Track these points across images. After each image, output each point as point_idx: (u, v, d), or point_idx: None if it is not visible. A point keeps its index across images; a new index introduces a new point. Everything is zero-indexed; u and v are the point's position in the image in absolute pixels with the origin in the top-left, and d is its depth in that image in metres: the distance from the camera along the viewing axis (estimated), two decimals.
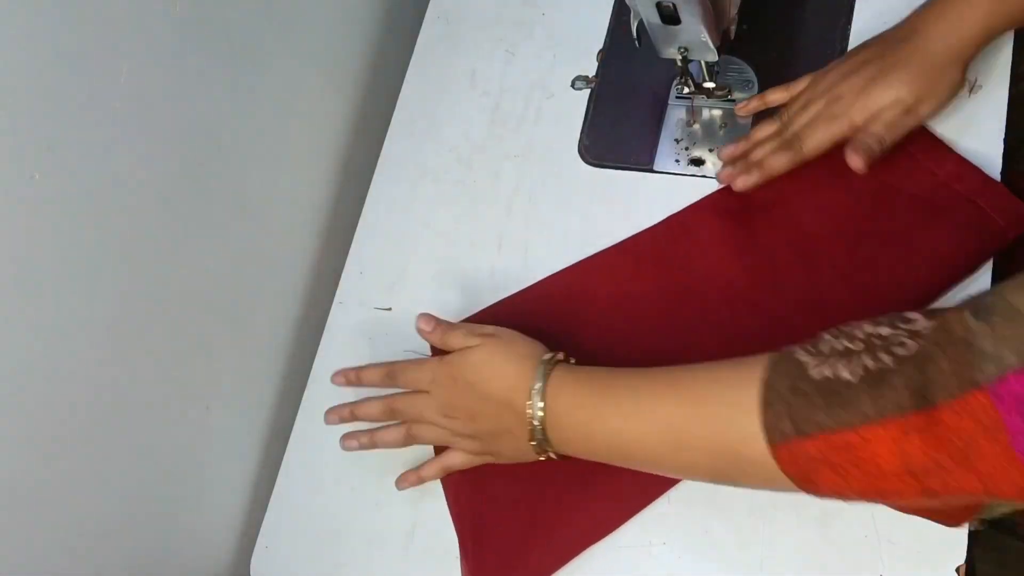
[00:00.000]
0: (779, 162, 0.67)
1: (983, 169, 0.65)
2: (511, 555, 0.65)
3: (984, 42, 0.62)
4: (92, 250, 0.58)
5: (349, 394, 0.73)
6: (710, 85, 0.73)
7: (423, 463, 0.67)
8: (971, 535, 0.58)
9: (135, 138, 0.60)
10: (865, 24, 0.72)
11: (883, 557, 0.58)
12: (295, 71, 0.76)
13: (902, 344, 0.45)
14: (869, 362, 0.46)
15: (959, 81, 0.63)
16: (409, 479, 0.67)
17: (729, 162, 0.70)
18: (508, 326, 0.64)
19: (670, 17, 0.63)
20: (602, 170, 0.75)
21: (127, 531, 0.64)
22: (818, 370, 0.47)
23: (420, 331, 0.65)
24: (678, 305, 0.68)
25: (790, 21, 0.75)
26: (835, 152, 0.66)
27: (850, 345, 0.47)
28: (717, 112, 0.74)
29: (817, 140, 0.66)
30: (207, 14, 0.65)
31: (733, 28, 0.69)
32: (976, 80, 0.67)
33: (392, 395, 0.66)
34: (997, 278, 0.62)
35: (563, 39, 0.81)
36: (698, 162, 0.73)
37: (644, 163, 0.74)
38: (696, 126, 0.74)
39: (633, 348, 0.68)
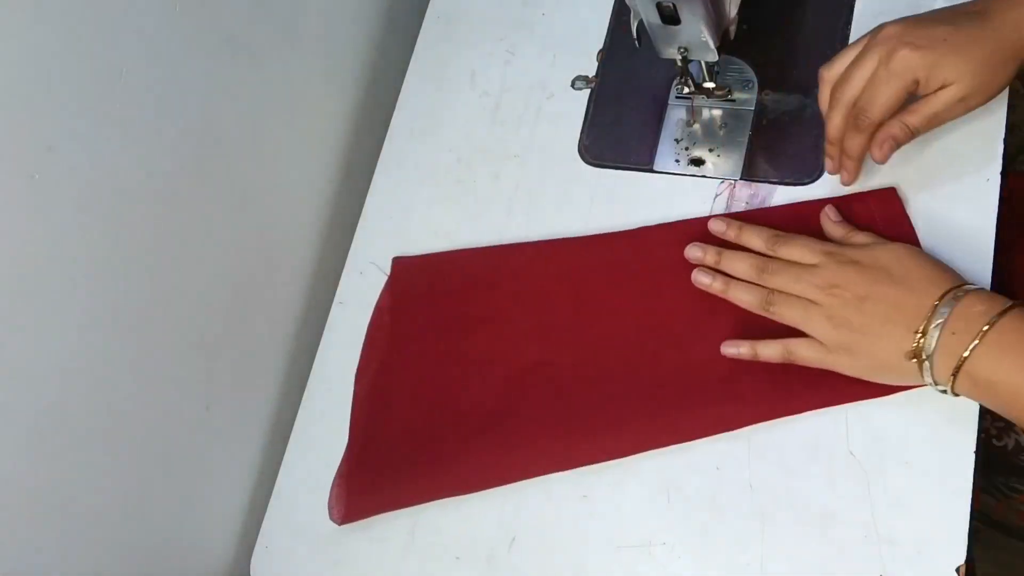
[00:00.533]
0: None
1: (984, 170, 0.65)
2: (384, 475, 0.68)
3: None
4: (92, 250, 0.58)
5: (351, 398, 0.73)
6: (710, 85, 0.73)
7: (764, 341, 0.62)
8: (971, 535, 0.58)
9: (135, 138, 0.60)
10: (865, 24, 0.72)
11: (883, 557, 0.58)
12: (295, 71, 0.76)
13: None
14: None
15: (1012, 78, 0.59)
16: (740, 348, 0.63)
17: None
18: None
19: (670, 17, 0.63)
20: (602, 170, 0.75)
21: (127, 531, 0.64)
22: None
23: (824, 216, 0.64)
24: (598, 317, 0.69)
25: (790, 21, 0.75)
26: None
27: None
28: (717, 112, 0.74)
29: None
30: (207, 13, 0.65)
31: (733, 28, 0.69)
32: None
33: (768, 258, 0.63)
34: (996, 283, 0.62)
35: (563, 39, 0.81)
36: (698, 162, 0.73)
37: (644, 163, 0.74)
38: (696, 126, 0.74)
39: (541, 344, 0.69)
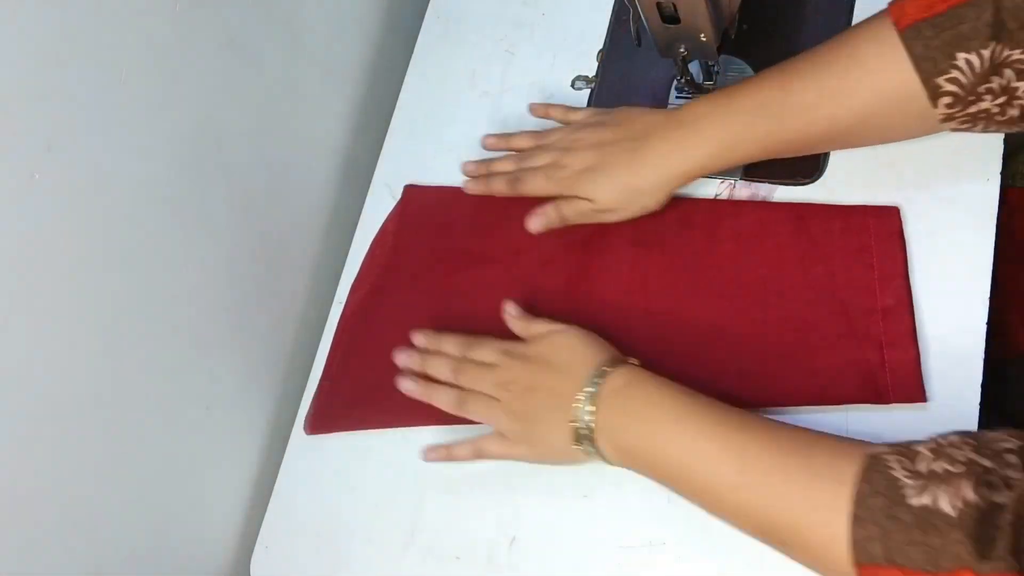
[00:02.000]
0: (498, 188, 0.72)
1: (984, 170, 0.65)
2: (357, 393, 0.72)
3: (696, 177, 0.65)
4: (92, 250, 0.58)
5: None
6: (710, 85, 0.73)
7: (458, 443, 0.66)
8: None
9: (135, 138, 0.60)
10: None
11: None
12: (295, 71, 0.76)
13: (996, 486, 0.44)
14: (970, 495, 0.44)
15: (657, 203, 0.67)
16: (439, 453, 0.67)
17: (489, 148, 0.75)
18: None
19: (670, 17, 0.63)
20: None
21: (127, 531, 0.64)
22: (916, 497, 0.46)
23: (507, 314, 0.67)
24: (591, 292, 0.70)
25: (790, 21, 0.75)
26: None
27: (950, 468, 0.46)
28: None
29: (530, 188, 0.70)
30: (207, 14, 0.65)
31: (733, 28, 0.69)
32: None
33: (462, 360, 0.66)
34: (996, 287, 0.62)
35: (563, 39, 0.81)
36: None
37: None
38: None
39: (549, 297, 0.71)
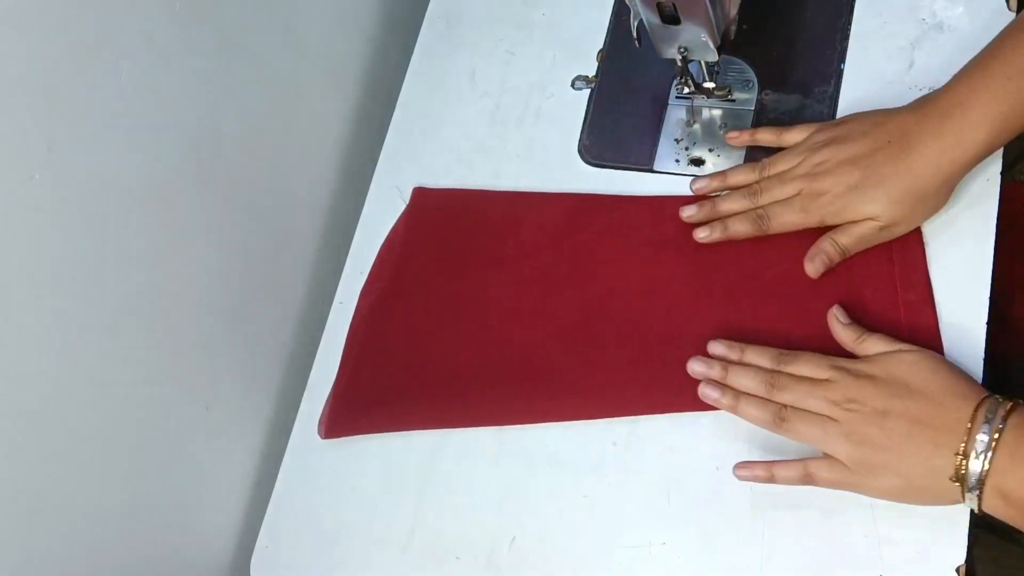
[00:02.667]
0: (742, 229, 0.66)
1: (983, 170, 0.65)
2: (372, 397, 0.71)
3: (977, 162, 0.60)
4: (92, 250, 0.58)
5: None
6: (710, 85, 0.73)
7: (780, 461, 0.59)
8: (971, 536, 0.58)
9: (135, 138, 0.60)
10: (865, 24, 0.73)
11: (883, 557, 0.58)
12: (295, 71, 0.76)
13: None
14: None
15: (943, 203, 0.61)
16: (755, 471, 0.60)
17: (699, 195, 0.70)
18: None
19: (670, 17, 0.63)
20: (602, 170, 0.75)
21: (127, 531, 0.64)
22: None
23: (834, 318, 0.61)
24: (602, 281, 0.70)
25: (790, 21, 0.75)
26: None
27: None
28: (717, 112, 0.74)
29: (783, 223, 0.65)
30: (207, 13, 0.65)
31: (733, 28, 0.69)
32: None
33: (776, 371, 0.60)
34: (999, 283, 0.62)
35: (563, 39, 0.81)
36: (698, 162, 0.73)
37: (644, 163, 0.74)
38: (696, 126, 0.74)
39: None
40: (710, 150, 0.73)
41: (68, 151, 0.55)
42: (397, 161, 0.81)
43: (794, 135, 0.68)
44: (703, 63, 0.71)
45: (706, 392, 0.62)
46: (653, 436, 0.65)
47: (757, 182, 0.67)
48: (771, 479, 0.59)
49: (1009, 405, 0.53)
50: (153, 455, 0.65)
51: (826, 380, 0.58)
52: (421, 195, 0.78)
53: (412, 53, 0.84)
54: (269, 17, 0.72)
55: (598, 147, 0.76)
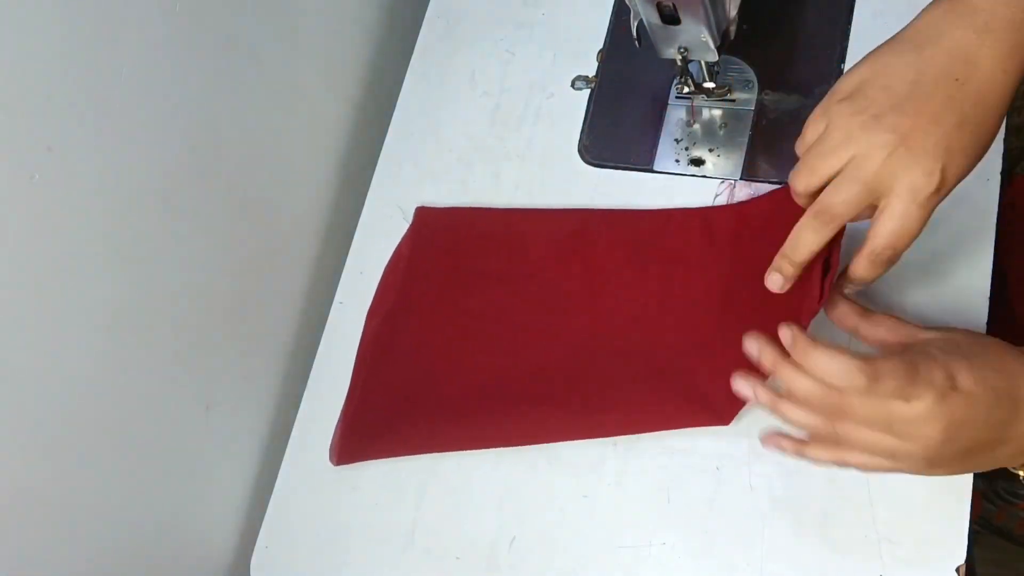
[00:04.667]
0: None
1: (984, 170, 0.64)
2: (382, 420, 0.70)
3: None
4: (92, 250, 0.58)
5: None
6: (710, 85, 0.73)
7: (815, 444, 0.54)
8: (971, 535, 0.58)
9: (135, 138, 0.60)
10: (865, 24, 0.72)
11: (883, 557, 0.58)
12: (295, 71, 0.76)
13: None
14: None
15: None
16: (784, 445, 0.54)
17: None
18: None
19: (670, 17, 0.63)
20: (602, 170, 0.75)
21: (127, 531, 0.64)
22: None
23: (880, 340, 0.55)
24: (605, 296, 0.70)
25: (790, 21, 0.75)
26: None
27: None
28: (717, 112, 0.74)
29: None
30: (207, 14, 0.65)
31: (733, 28, 0.69)
32: None
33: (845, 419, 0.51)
34: (1002, 278, 0.62)
35: (563, 39, 0.81)
36: (698, 162, 0.73)
37: (644, 163, 0.74)
38: (696, 126, 0.74)
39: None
40: (710, 150, 0.73)
41: (68, 151, 0.55)
42: (397, 161, 0.81)
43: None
44: (703, 63, 0.71)
45: (772, 440, 0.55)
46: (653, 436, 0.65)
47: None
48: (799, 456, 0.54)
49: None
50: (153, 455, 0.65)
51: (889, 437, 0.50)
52: (424, 214, 0.77)
53: (412, 53, 0.84)
54: (269, 17, 0.72)
55: (598, 147, 0.76)
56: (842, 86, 0.54)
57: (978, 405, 0.49)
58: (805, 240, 0.55)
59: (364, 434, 0.70)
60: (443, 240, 0.75)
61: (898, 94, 0.51)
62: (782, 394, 0.53)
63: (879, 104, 0.52)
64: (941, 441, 0.49)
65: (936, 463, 0.50)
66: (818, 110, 0.55)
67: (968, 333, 0.53)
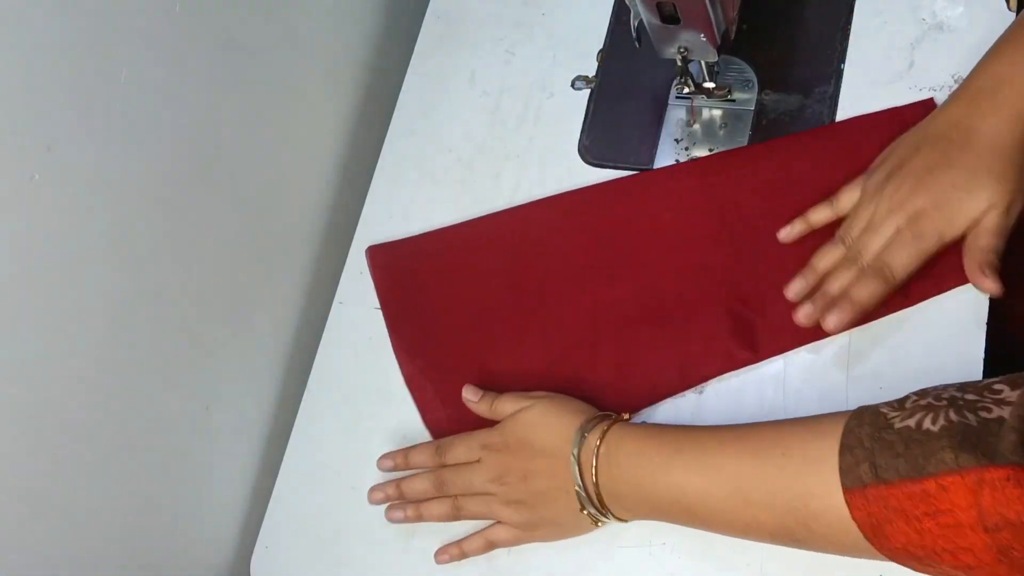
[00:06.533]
0: (870, 292, 0.60)
1: None
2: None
3: None
4: (92, 250, 0.58)
5: (352, 400, 0.73)
6: (710, 85, 0.73)
7: (466, 538, 0.65)
8: None
9: (135, 138, 0.60)
10: (865, 24, 0.73)
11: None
12: (295, 71, 0.76)
13: (987, 408, 0.45)
14: (953, 416, 0.45)
15: None
16: (450, 552, 0.65)
17: (797, 299, 0.64)
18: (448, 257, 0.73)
19: (670, 17, 0.63)
20: (602, 170, 0.75)
21: (127, 531, 0.64)
22: (901, 421, 0.47)
23: (467, 401, 0.67)
24: (613, 263, 0.71)
25: (790, 21, 0.75)
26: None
27: (934, 402, 0.47)
28: (717, 112, 0.74)
29: (905, 264, 0.60)
30: (207, 14, 0.65)
31: (733, 28, 0.69)
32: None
33: (440, 469, 0.65)
34: (1004, 279, 0.62)
35: (563, 39, 0.81)
36: None
37: (644, 163, 0.74)
38: (696, 126, 0.74)
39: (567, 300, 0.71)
40: (710, 150, 0.73)
41: (68, 151, 0.55)
42: (397, 161, 0.81)
43: (847, 196, 0.64)
44: (703, 63, 0.71)
45: (393, 515, 0.66)
46: None
47: (848, 248, 0.63)
48: (462, 555, 0.65)
49: (600, 430, 0.59)
50: (153, 455, 0.65)
51: (478, 460, 0.63)
52: (376, 255, 0.76)
53: (412, 53, 0.84)
54: (269, 17, 0.72)
55: (598, 147, 0.76)
56: None
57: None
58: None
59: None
60: (404, 274, 0.75)
61: None
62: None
63: None
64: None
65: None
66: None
67: None
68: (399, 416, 0.71)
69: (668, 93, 0.76)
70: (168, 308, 0.65)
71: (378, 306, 0.75)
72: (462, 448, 0.65)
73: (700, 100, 0.74)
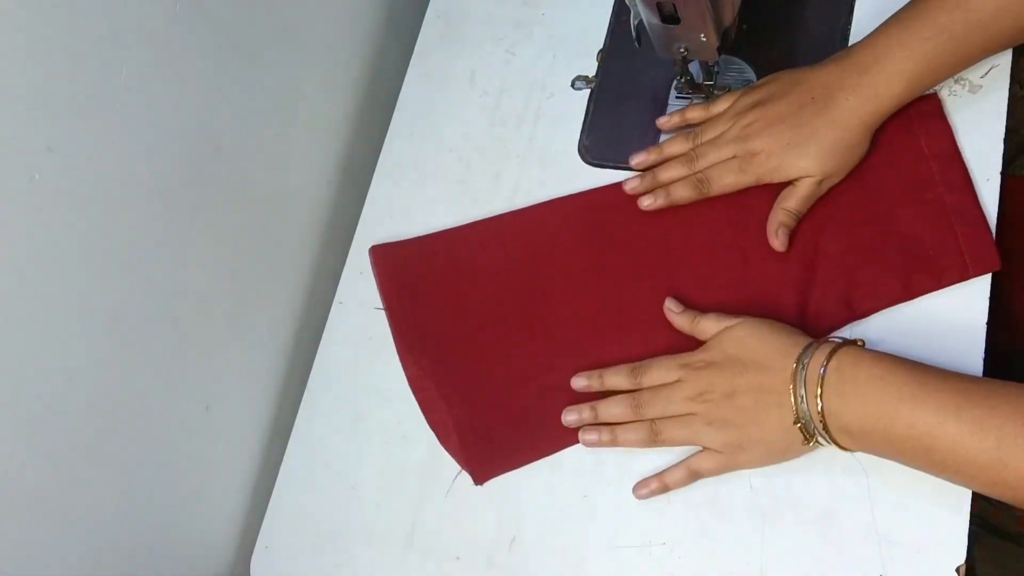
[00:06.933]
0: (684, 195, 0.69)
1: (984, 170, 0.65)
2: (501, 435, 0.68)
3: (892, 111, 0.64)
4: (92, 250, 0.58)
5: (352, 400, 0.73)
6: (710, 85, 0.73)
7: (669, 469, 0.62)
8: (971, 535, 0.58)
9: (135, 138, 0.60)
10: (865, 24, 0.72)
11: (883, 557, 0.58)
12: (295, 71, 0.76)
13: None
14: None
15: (865, 151, 0.65)
16: (651, 485, 0.62)
17: (639, 170, 0.72)
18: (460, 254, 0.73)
19: (670, 17, 0.63)
20: (602, 170, 0.75)
21: (127, 531, 0.64)
22: None
23: (667, 311, 0.66)
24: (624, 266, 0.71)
25: (790, 21, 0.75)
26: None
27: None
28: None
29: (723, 185, 0.68)
30: (207, 14, 0.65)
31: (733, 28, 0.69)
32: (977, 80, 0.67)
33: (636, 392, 0.64)
34: (995, 285, 0.62)
35: (563, 39, 0.81)
36: None
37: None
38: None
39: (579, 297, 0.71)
40: None
41: (68, 151, 0.55)
42: (397, 161, 0.81)
43: (720, 104, 0.70)
44: (703, 63, 0.71)
45: (586, 438, 0.65)
46: None
47: (693, 150, 0.69)
48: (664, 488, 0.62)
49: (829, 349, 0.57)
50: (153, 455, 0.65)
51: (677, 381, 0.62)
52: (379, 255, 0.76)
53: (412, 53, 0.84)
54: (269, 17, 0.72)
55: (598, 147, 0.76)
56: None
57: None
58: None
59: (493, 449, 0.68)
60: (411, 275, 0.75)
61: None
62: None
63: None
64: None
65: None
66: None
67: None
68: (399, 416, 0.71)
69: (668, 93, 0.76)
70: (168, 308, 0.65)
71: (378, 306, 0.75)
72: (660, 370, 0.63)
73: (700, 100, 0.74)
